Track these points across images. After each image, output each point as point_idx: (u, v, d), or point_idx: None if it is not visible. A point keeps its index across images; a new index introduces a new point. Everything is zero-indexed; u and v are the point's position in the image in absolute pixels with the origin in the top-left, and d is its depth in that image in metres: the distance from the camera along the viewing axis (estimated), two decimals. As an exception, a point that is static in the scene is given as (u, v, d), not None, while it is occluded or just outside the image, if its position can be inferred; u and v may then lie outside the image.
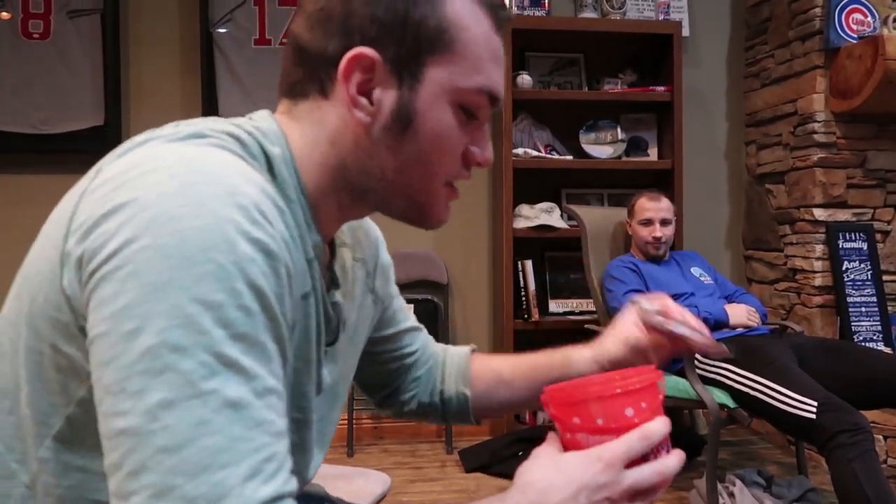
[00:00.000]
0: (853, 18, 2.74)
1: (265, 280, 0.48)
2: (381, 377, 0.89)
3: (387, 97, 0.59)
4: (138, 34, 2.88)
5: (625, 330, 0.84)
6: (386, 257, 0.84)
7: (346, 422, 2.76)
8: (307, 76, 0.61)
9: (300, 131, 0.62)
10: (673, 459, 0.57)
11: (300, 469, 0.65)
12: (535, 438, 2.71)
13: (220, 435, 0.44)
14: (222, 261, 0.46)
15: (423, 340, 0.91)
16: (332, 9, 0.59)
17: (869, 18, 2.74)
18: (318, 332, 0.64)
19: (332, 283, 0.69)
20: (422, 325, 0.92)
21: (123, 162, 0.52)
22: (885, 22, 2.74)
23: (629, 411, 0.56)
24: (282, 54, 0.64)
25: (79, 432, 0.52)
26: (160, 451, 0.43)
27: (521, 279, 2.89)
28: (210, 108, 2.83)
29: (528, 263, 2.90)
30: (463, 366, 0.90)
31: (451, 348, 0.94)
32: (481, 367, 0.91)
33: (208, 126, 0.57)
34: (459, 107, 0.61)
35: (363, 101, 0.59)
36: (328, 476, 1.00)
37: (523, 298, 2.88)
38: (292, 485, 0.47)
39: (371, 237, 0.80)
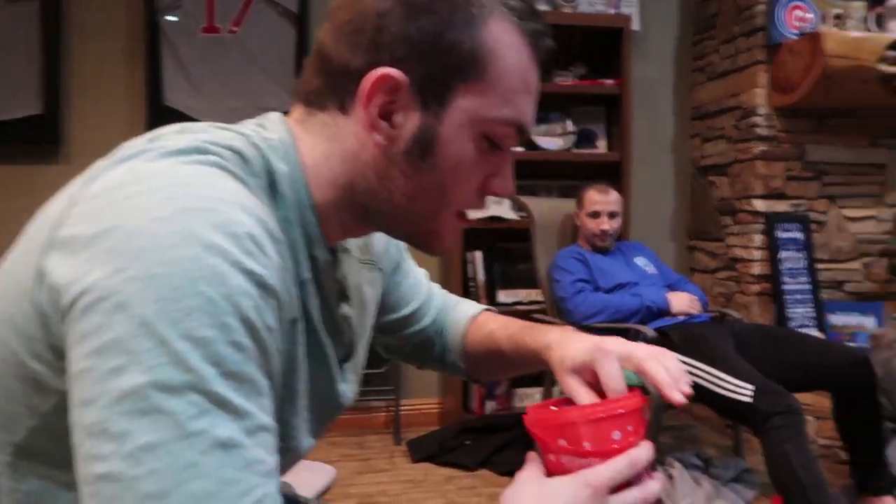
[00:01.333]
0: (794, 15, 2.81)
1: (258, 314, 0.46)
2: (404, 347, 0.90)
3: (409, 122, 0.57)
4: (80, 21, 2.80)
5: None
6: (388, 248, 0.81)
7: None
8: (327, 88, 0.59)
9: (312, 144, 0.59)
10: (655, 484, 0.57)
11: None
12: (482, 428, 2.74)
13: (209, 479, 0.42)
14: (213, 294, 0.44)
15: (435, 304, 0.90)
16: (363, 22, 0.56)
17: (809, 15, 2.81)
18: (317, 353, 0.62)
19: (342, 296, 0.67)
20: (432, 287, 0.90)
21: (118, 175, 0.49)
22: (824, 19, 2.82)
23: (616, 434, 0.56)
24: (305, 60, 0.62)
25: (42, 444, 0.51)
26: (144, 498, 0.41)
27: (471, 270, 2.91)
28: (155, 98, 2.77)
29: (478, 254, 2.92)
30: (458, 340, 0.89)
31: (457, 310, 0.91)
32: (478, 333, 0.88)
33: (212, 138, 0.54)
34: (484, 137, 0.58)
35: (383, 124, 0.57)
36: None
37: (472, 289, 2.90)
38: None
39: (375, 234, 0.77)
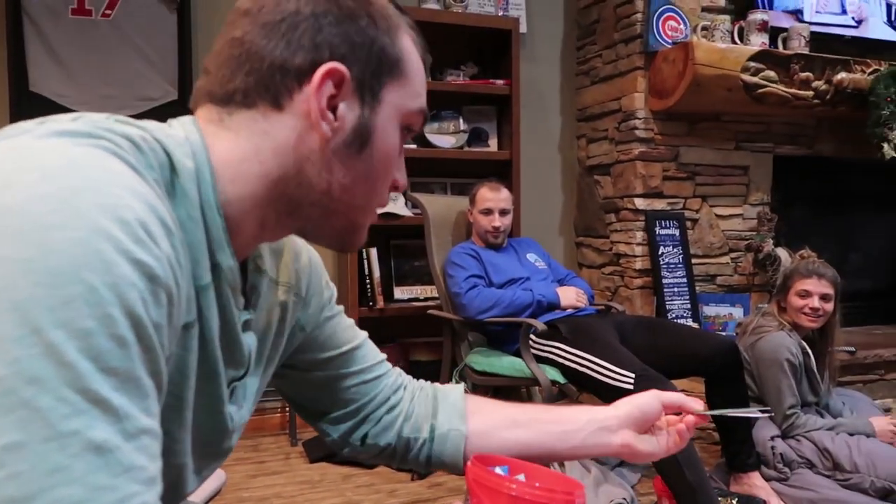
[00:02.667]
0: (668, 25, 2.99)
1: (144, 307, 0.43)
2: (338, 400, 0.83)
3: (350, 114, 0.61)
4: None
5: (644, 401, 0.86)
6: (319, 281, 0.79)
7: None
8: (258, 86, 0.59)
9: (234, 142, 0.59)
10: None
11: None
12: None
13: (79, 484, 0.39)
14: (96, 282, 0.41)
15: (380, 360, 0.87)
16: (298, 22, 0.59)
17: (682, 26, 3.00)
18: (207, 366, 0.59)
19: (245, 311, 0.65)
20: (383, 355, 0.87)
21: None
22: (694, 30, 3.02)
23: None
24: (216, 60, 0.61)
25: None
26: (4, 503, 0.37)
27: (366, 267, 2.89)
28: (19, 82, 2.55)
29: (373, 251, 2.91)
30: (459, 402, 0.87)
31: (441, 385, 0.91)
32: (477, 406, 0.88)
33: (107, 126, 0.50)
34: (404, 126, 0.65)
35: (329, 115, 0.60)
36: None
37: (368, 286, 2.88)
38: None
39: (302, 260, 0.77)
